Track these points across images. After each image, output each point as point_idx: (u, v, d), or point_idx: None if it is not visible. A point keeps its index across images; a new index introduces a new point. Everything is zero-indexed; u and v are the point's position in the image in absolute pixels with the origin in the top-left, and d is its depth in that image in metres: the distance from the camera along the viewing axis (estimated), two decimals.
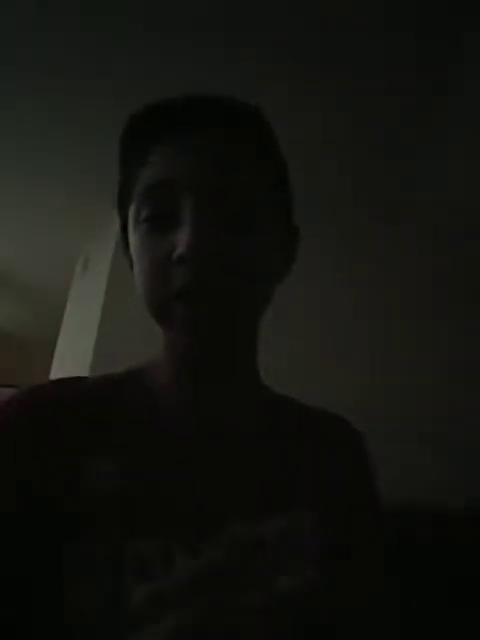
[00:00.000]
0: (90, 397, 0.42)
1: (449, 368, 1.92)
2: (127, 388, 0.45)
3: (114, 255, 1.82)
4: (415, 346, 1.92)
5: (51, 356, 2.43)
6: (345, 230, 1.93)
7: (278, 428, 0.47)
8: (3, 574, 0.32)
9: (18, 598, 0.33)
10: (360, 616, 0.44)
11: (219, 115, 0.40)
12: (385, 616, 0.46)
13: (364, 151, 1.62)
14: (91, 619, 0.32)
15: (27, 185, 1.99)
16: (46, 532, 0.34)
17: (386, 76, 1.32)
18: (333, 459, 0.48)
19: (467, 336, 1.93)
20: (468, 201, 1.73)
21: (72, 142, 1.68)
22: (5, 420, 0.38)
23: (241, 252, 0.38)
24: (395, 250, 1.97)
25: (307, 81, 1.36)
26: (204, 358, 0.43)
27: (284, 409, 0.51)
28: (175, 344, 0.44)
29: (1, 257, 2.74)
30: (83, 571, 0.33)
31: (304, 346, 1.82)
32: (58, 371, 2.28)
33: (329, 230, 1.87)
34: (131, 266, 0.45)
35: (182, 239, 0.36)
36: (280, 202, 0.45)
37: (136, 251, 0.41)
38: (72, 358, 2.11)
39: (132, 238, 0.42)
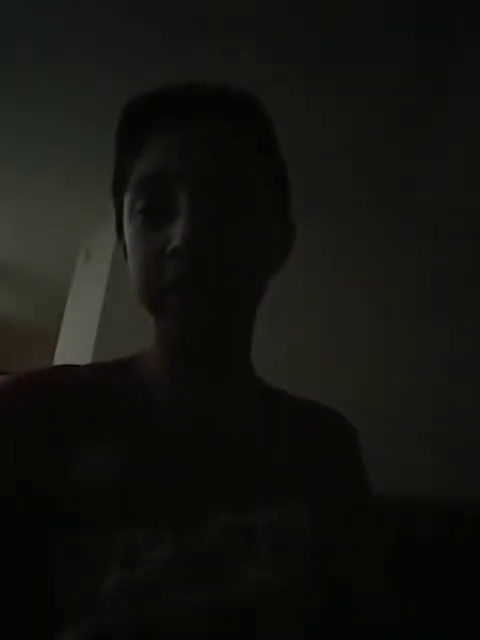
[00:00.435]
0: (81, 386, 0.41)
1: (449, 368, 1.92)
2: (119, 378, 0.44)
3: (116, 247, 1.83)
4: (415, 346, 1.92)
5: (53, 347, 2.46)
6: (345, 229, 1.93)
7: (271, 420, 0.47)
8: None
9: (7, 586, 0.33)
10: (359, 613, 0.43)
11: (217, 105, 0.40)
12: (385, 615, 0.46)
13: (364, 151, 1.62)
14: (79, 608, 0.32)
15: (30, 177, 2.02)
16: (33, 522, 0.34)
17: (386, 76, 1.33)
18: (326, 452, 0.48)
19: (467, 336, 1.92)
20: (468, 201, 1.73)
21: (74, 134, 1.70)
22: None
23: (236, 245, 0.38)
24: (395, 250, 1.96)
25: (307, 81, 1.36)
26: (197, 350, 0.43)
27: (277, 402, 0.51)
28: (167, 336, 0.44)
29: (3, 249, 2.78)
30: (71, 561, 0.33)
31: (304, 345, 1.82)
32: (60, 363, 2.30)
33: (329, 229, 1.88)
34: (125, 255, 0.46)
35: (177, 231, 0.36)
36: (277, 196, 0.45)
37: (131, 242, 0.41)
38: (74, 349, 2.14)
39: (127, 228, 0.42)
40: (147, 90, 0.40)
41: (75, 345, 2.14)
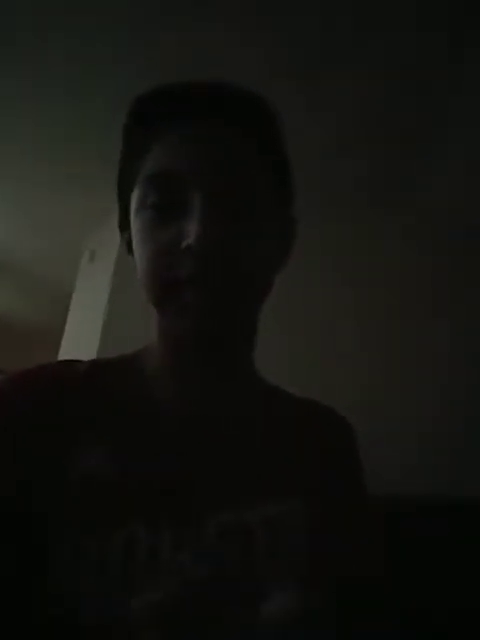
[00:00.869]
0: (81, 383, 0.41)
1: (449, 367, 1.92)
2: (120, 376, 0.45)
3: (120, 247, 1.83)
4: (415, 346, 1.92)
5: (56, 346, 2.47)
6: (346, 229, 1.94)
7: (272, 419, 0.48)
8: None
9: (7, 587, 0.33)
10: (359, 612, 0.43)
11: (226, 104, 0.40)
12: (385, 614, 0.46)
13: (365, 150, 1.63)
14: (75, 608, 0.32)
15: (35, 177, 2.04)
16: (33, 522, 0.34)
17: (387, 76, 1.33)
18: (325, 451, 0.49)
19: (466, 336, 1.92)
20: (468, 201, 1.73)
21: (79, 133, 1.71)
22: None
23: (245, 244, 0.39)
24: (395, 249, 1.97)
25: (308, 81, 1.37)
26: (202, 346, 0.43)
27: (278, 400, 0.52)
28: (172, 331, 0.44)
29: (8, 248, 2.80)
30: (71, 561, 0.33)
31: (305, 344, 1.81)
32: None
33: (329, 229, 1.88)
34: (128, 249, 0.46)
35: (191, 230, 0.36)
36: (282, 194, 0.46)
37: (140, 236, 0.41)
38: (78, 349, 2.15)
39: (135, 222, 0.42)
40: (157, 86, 0.41)
41: (79, 344, 2.16)
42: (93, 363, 0.45)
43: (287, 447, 0.46)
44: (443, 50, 1.25)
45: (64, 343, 2.44)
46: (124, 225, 0.47)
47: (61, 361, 0.45)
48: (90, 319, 2.07)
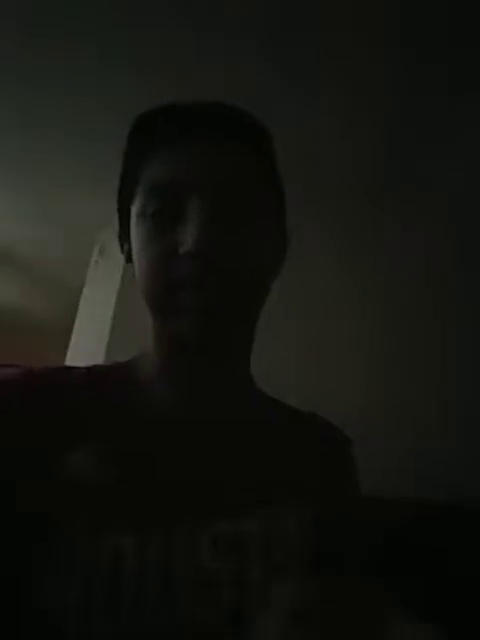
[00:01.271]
0: (75, 388, 0.42)
1: (457, 371, 1.89)
2: (115, 381, 0.45)
3: None
4: (424, 349, 1.89)
5: (67, 340, 2.50)
6: (354, 229, 1.92)
7: (267, 428, 0.48)
8: None
9: None
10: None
11: (225, 121, 0.43)
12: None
13: (380, 151, 1.62)
14: (60, 615, 0.31)
15: (46, 172, 2.05)
16: (21, 526, 0.33)
17: (400, 74, 1.32)
18: (321, 462, 0.49)
19: (474, 339, 1.89)
20: (469, 200, 1.71)
21: (91, 129, 1.72)
22: None
23: (243, 250, 0.40)
24: (405, 250, 1.95)
25: (316, 80, 1.37)
26: (197, 350, 0.43)
27: (273, 410, 0.52)
28: (167, 336, 0.44)
29: (19, 243, 2.82)
30: (59, 566, 0.32)
31: (306, 350, 1.80)
32: (74, 356, 2.35)
33: (337, 228, 1.87)
34: (128, 259, 0.48)
35: (189, 236, 0.38)
36: (276, 207, 0.48)
37: (139, 244, 0.43)
38: (88, 343, 2.18)
39: (135, 231, 0.43)
40: (158, 105, 0.43)
41: (89, 338, 2.18)
42: (90, 369, 0.46)
43: (282, 457, 0.46)
44: (455, 48, 1.23)
45: (74, 336, 2.46)
46: (123, 237, 0.49)
47: (59, 366, 0.46)
48: (100, 313, 2.08)
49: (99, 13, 1.25)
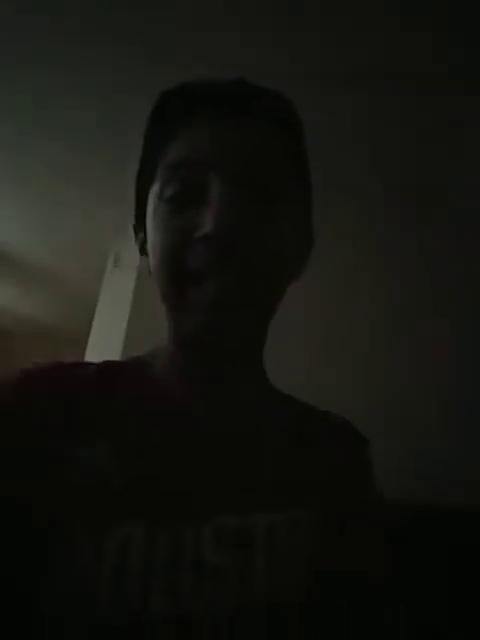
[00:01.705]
0: (85, 383, 0.40)
1: (473, 372, 1.85)
2: (126, 376, 0.43)
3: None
4: (416, 347, 1.87)
5: (83, 350, 2.53)
6: (375, 228, 1.90)
7: (280, 425, 0.46)
8: None
9: (3, 587, 0.32)
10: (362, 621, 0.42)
11: (252, 103, 0.40)
12: (390, 623, 0.45)
13: (396, 151, 1.61)
14: (67, 608, 0.31)
15: (62, 184, 2.09)
16: (31, 521, 0.33)
17: (418, 76, 1.31)
18: (334, 460, 0.47)
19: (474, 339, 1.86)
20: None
21: (105, 141, 1.74)
22: None
23: (265, 238, 0.38)
24: (405, 251, 1.92)
25: (339, 81, 1.36)
26: (213, 343, 0.41)
27: (288, 407, 0.50)
28: (182, 328, 0.42)
29: (36, 254, 2.88)
30: (68, 560, 0.32)
31: (309, 348, 1.79)
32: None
33: (357, 229, 1.86)
34: (141, 250, 0.46)
35: (209, 218, 0.35)
36: (303, 204, 0.46)
37: (155, 229, 0.40)
38: (103, 352, 2.20)
39: (151, 216, 0.41)
40: (182, 82, 0.40)
41: (105, 348, 2.20)
42: (103, 364, 0.44)
43: (294, 454, 0.44)
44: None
45: (90, 345, 2.49)
46: (138, 227, 0.46)
47: (73, 362, 0.44)
48: (115, 322, 2.11)
49: (108, 38, 1.27)
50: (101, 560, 0.32)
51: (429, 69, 1.29)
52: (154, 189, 0.41)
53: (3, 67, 1.45)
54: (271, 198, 0.39)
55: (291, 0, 1.14)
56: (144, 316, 1.86)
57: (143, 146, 0.43)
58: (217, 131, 0.38)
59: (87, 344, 2.53)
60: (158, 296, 0.42)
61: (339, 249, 1.82)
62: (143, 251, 0.46)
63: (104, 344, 2.23)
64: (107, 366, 0.44)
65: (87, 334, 2.54)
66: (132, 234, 0.49)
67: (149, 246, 0.42)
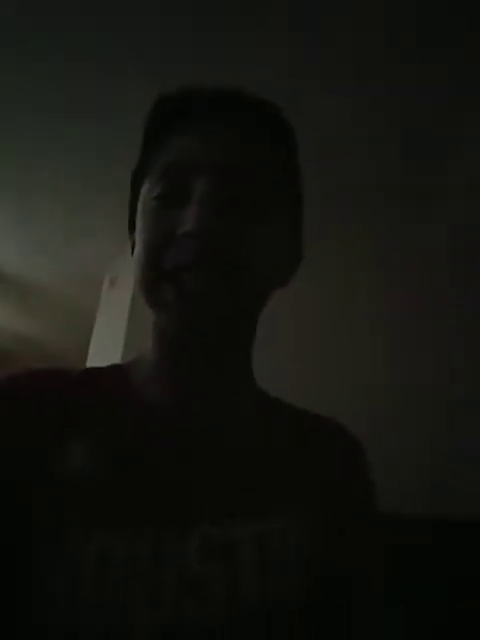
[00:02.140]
0: (70, 388, 0.41)
1: (473, 379, 1.85)
2: (111, 381, 0.44)
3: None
4: (416, 348, 1.87)
5: (82, 367, 2.55)
6: (376, 229, 1.91)
7: (269, 429, 0.45)
8: None
9: None
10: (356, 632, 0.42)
11: (244, 110, 0.41)
12: (384, 632, 0.44)
13: (396, 150, 1.60)
14: (54, 607, 0.31)
15: (60, 208, 2.16)
16: (16, 523, 0.33)
17: (418, 74, 1.33)
18: (326, 465, 0.46)
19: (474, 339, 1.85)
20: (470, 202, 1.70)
21: (102, 165, 1.77)
22: None
23: (248, 239, 0.38)
24: (405, 252, 1.92)
25: (338, 80, 1.37)
26: (196, 343, 0.41)
27: (277, 411, 0.49)
28: (165, 329, 0.43)
29: (35, 276, 2.93)
30: (52, 561, 0.32)
31: (309, 349, 1.79)
32: None
33: (358, 230, 1.86)
34: (132, 247, 0.46)
35: (190, 216, 0.36)
36: (291, 209, 0.46)
37: (142, 227, 0.41)
38: None
39: (140, 214, 0.42)
40: (177, 88, 0.42)
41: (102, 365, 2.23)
42: (86, 370, 0.45)
43: (284, 459, 0.44)
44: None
45: (88, 364, 2.52)
46: (132, 226, 0.47)
47: (56, 368, 0.44)
48: (111, 342, 2.15)
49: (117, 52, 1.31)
50: (82, 564, 0.31)
51: (429, 68, 1.31)
52: (144, 189, 0.42)
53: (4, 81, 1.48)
54: (256, 202, 0.39)
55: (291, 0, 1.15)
56: (140, 335, 1.89)
57: (141, 148, 0.45)
58: (207, 135, 0.40)
59: (85, 363, 2.56)
60: (153, 319, 0.43)
61: (339, 249, 1.83)
62: (134, 252, 0.46)
63: (102, 363, 2.26)
64: (91, 371, 0.45)
65: (85, 353, 2.56)
66: (127, 256, 0.52)
67: (136, 242, 0.43)
